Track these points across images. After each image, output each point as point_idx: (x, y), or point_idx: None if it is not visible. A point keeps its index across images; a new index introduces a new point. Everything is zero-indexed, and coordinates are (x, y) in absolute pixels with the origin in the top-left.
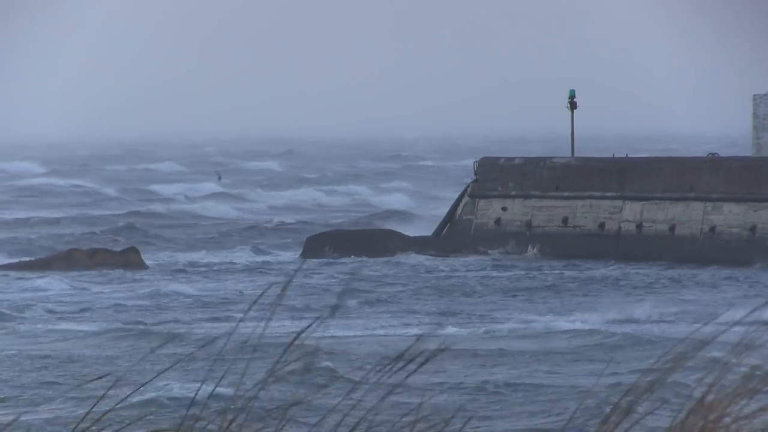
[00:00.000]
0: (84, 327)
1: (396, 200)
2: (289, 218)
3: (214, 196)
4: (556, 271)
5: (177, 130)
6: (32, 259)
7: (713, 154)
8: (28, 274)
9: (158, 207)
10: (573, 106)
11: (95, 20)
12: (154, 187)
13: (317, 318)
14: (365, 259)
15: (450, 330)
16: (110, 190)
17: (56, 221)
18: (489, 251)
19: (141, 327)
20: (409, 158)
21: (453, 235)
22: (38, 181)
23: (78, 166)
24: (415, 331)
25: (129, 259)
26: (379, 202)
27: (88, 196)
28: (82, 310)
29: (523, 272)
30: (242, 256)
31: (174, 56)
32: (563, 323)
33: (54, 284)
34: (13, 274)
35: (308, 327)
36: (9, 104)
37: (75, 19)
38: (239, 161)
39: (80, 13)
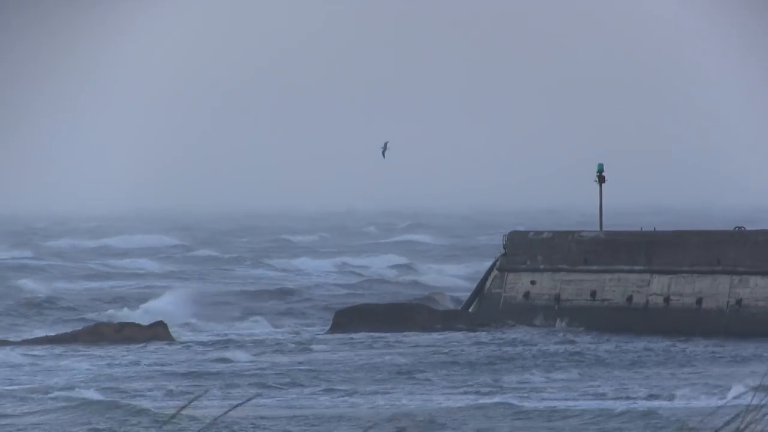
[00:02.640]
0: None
1: None
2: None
3: (398, 268)
4: (660, 344)
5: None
6: (58, 333)
7: (740, 227)
8: (168, 347)
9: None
10: (601, 180)
11: (140, 94)
12: (342, 259)
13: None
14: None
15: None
16: (301, 262)
17: (259, 295)
18: (518, 325)
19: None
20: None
21: (482, 309)
22: (199, 254)
23: (216, 239)
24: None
25: (156, 333)
26: None
27: (275, 270)
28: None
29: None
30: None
31: (250, 126)
32: None
33: (239, 355)
34: (82, 348)
35: None
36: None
37: (122, 94)
38: (386, 233)
39: (130, 86)
